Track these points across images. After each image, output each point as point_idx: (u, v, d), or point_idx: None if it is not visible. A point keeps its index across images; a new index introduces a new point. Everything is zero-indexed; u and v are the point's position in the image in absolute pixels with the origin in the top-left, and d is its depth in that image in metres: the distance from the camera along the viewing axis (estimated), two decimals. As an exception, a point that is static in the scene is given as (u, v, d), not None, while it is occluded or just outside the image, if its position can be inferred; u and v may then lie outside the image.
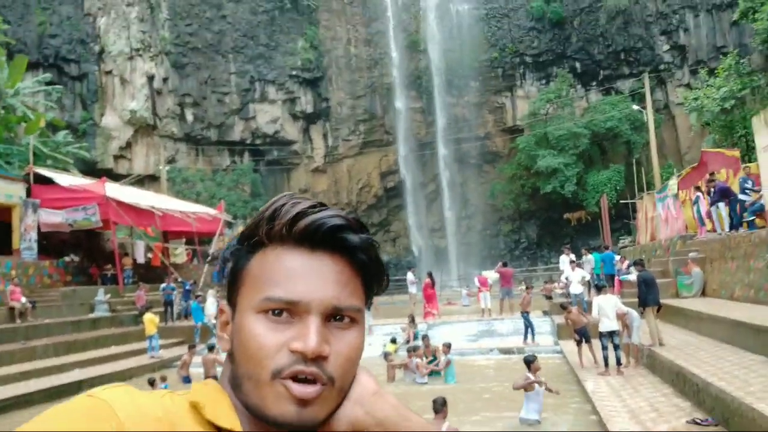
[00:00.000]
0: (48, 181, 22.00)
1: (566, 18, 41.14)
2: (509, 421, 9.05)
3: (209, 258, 27.68)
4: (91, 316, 19.71)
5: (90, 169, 33.38)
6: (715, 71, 25.79)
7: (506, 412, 9.48)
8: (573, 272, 16.69)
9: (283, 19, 43.22)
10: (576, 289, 16.14)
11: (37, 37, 38.00)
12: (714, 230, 15.54)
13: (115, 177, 34.20)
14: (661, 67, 39.44)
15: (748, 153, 20.44)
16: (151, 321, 16.02)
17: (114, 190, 23.62)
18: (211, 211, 29.83)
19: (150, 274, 24.22)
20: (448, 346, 12.22)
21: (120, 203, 22.08)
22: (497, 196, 42.63)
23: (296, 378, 0.71)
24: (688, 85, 36.81)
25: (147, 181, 38.81)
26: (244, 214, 39.39)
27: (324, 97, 44.15)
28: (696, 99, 24.89)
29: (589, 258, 19.39)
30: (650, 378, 10.23)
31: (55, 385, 12.84)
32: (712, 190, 15.01)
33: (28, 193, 21.56)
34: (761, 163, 13.33)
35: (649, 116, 30.49)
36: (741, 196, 14.46)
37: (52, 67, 38.13)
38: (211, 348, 12.99)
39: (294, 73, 42.99)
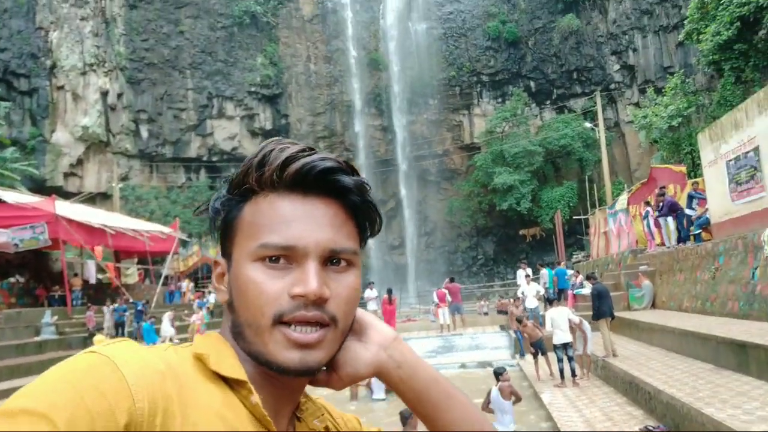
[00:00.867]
0: (-8, 199, 21.09)
1: (521, 38, 42.31)
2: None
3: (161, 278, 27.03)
4: (37, 339, 18.85)
5: (39, 186, 32.20)
6: (663, 90, 26.88)
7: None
8: (528, 287, 16.96)
9: (242, 36, 43.02)
10: (531, 303, 16.40)
11: (-16, 50, 36.74)
12: (663, 243, 16.05)
13: (66, 195, 33.11)
14: (612, 86, 40.87)
15: (694, 169, 21.30)
16: (101, 342, 15.47)
17: (64, 208, 22.82)
18: (165, 229, 29.15)
19: (100, 294, 23.42)
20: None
21: (70, 221, 21.32)
22: (455, 213, 43.10)
23: (298, 323, 0.71)
24: (637, 104, 38.23)
25: (99, 198, 37.71)
26: (199, 233, 38.62)
27: (283, 114, 43.97)
28: (645, 117, 25.86)
29: (544, 273, 19.75)
30: (604, 388, 10.42)
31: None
32: (661, 203, 15.55)
33: (-29, 211, 20.63)
34: (706, 178, 13.90)
35: (601, 134, 31.48)
36: (687, 211, 15.01)
37: (0, 82, 36.89)
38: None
39: (253, 89, 42.72)
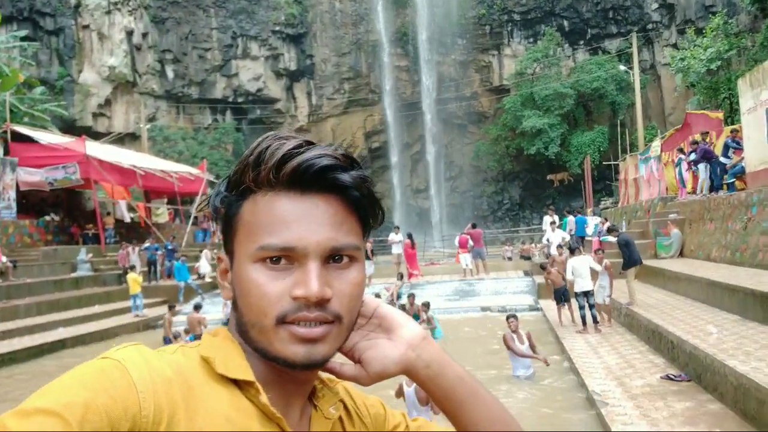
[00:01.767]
0: (26, 139, 21.50)
1: (555, -26, 40.43)
2: (504, 373, 9.26)
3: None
4: (74, 275, 19.60)
5: (68, 127, 32.64)
6: (703, 31, 25.63)
7: (491, 370, 9.69)
8: (553, 234, 16.88)
9: (265, -28, 41.93)
10: (556, 250, 16.32)
11: (10, -11, 36.53)
12: (694, 191, 15.71)
13: (95, 135, 33.53)
14: (649, 26, 39.11)
15: (732, 115, 20.53)
16: (134, 280, 16.05)
17: (94, 148, 23.19)
18: (193, 170, 29.50)
19: (132, 233, 24.05)
20: (426, 306, 12.37)
21: (101, 162, 21.73)
22: (482, 157, 42.60)
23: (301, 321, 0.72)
24: (675, 45, 36.62)
25: (127, 139, 38.14)
26: (227, 174, 38.94)
27: (308, 54, 43.28)
28: (683, 59, 24.79)
29: (570, 219, 19.58)
30: (627, 336, 10.48)
31: (38, 344, 12.87)
32: (694, 150, 15.11)
33: (6, 152, 21.10)
34: (744, 125, 13.41)
35: (636, 77, 30.39)
36: (722, 159, 14.58)
37: (26, 21, 36.86)
38: (197, 307, 13.03)
39: (277, 28, 41.97)
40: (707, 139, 15.52)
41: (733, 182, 14.06)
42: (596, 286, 10.98)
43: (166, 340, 12.54)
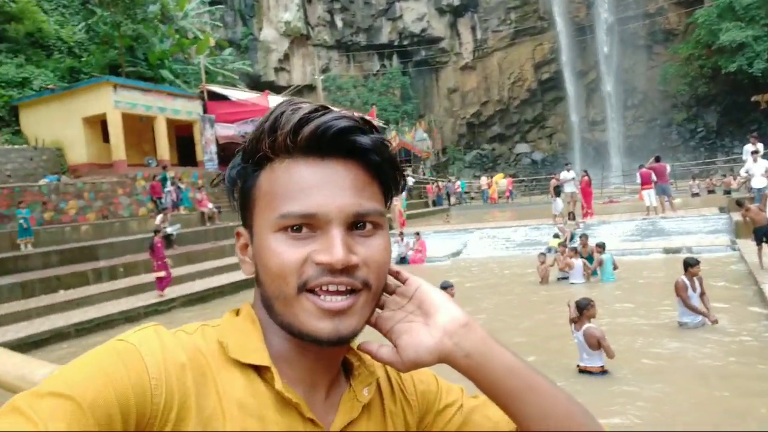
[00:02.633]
0: (219, 97, 24.02)
1: None
2: (667, 321, 8.65)
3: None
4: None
5: (254, 82, 35.78)
6: None
7: (662, 316, 9.05)
8: (755, 164, 14.77)
9: None
10: (758, 183, 14.33)
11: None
12: None
13: (277, 89, 36.33)
14: None
15: None
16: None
17: (276, 101, 25.06)
18: (366, 117, 30.64)
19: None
20: (601, 247, 11.77)
21: (283, 114, 23.56)
22: (670, 81, 38.26)
23: (326, 292, 0.68)
24: None
25: (305, 91, 40.70)
26: (396, 119, 39.96)
27: (472, -14, 41.89)
28: None
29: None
30: None
31: (242, 279, 14.69)
32: None
33: (204, 110, 23.80)
34: None
35: None
36: None
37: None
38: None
39: (439, -37, 41.09)
40: None
41: None
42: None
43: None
